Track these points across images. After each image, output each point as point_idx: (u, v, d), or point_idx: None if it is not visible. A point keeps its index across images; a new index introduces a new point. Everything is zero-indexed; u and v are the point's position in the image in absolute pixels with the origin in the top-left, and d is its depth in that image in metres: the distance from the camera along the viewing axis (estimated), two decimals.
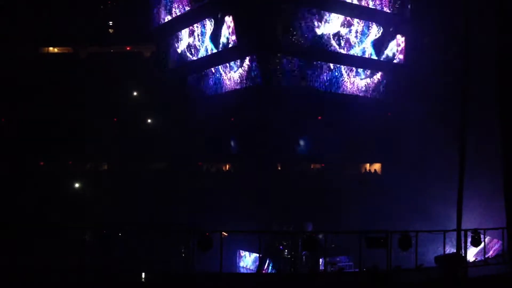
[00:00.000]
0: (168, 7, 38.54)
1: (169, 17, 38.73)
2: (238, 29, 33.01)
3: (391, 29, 35.84)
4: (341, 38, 34.18)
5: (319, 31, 33.16)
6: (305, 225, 25.56)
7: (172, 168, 37.06)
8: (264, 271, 25.51)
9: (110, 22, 45.43)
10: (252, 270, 27.73)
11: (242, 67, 34.46)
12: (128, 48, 45.23)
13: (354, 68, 35.84)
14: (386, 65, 36.48)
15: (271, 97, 33.28)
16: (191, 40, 38.04)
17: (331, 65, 34.95)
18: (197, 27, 37.23)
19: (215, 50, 35.67)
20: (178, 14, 37.65)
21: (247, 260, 28.45)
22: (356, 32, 34.76)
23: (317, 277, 16.90)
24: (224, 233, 16.23)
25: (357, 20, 34.73)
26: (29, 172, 36.14)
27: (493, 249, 21.70)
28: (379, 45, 35.62)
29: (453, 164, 17.09)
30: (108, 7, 45.58)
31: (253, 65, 33.34)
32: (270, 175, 34.39)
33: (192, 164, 37.58)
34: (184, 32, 38.57)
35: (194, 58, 37.96)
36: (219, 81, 37.00)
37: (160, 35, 40.62)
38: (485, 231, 17.84)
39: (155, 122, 39.83)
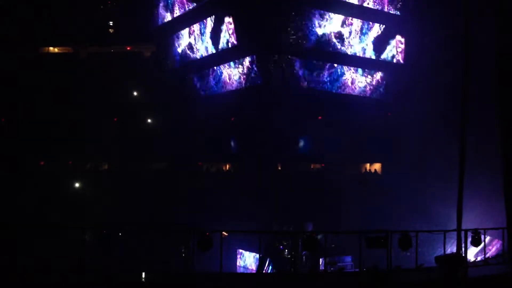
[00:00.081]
0: (168, 7, 38.57)
1: (169, 17, 38.77)
2: (238, 29, 33.02)
3: (391, 29, 35.82)
4: (341, 38, 34.17)
5: (319, 31, 33.15)
6: (305, 225, 25.63)
7: (172, 168, 37.03)
8: (264, 271, 25.53)
9: (110, 22, 45.32)
10: (252, 270, 27.76)
11: (242, 67, 34.48)
12: (128, 48, 45.16)
13: (354, 68, 35.84)
14: (386, 65, 36.46)
15: (271, 97, 33.29)
16: (191, 40, 38.04)
17: (331, 65, 34.94)
18: (197, 27, 37.25)
19: (215, 50, 35.69)
20: (178, 14, 37.68)
21: (247, 260, 28.47)
22: (356, 32, 34.75)
23: (317, 277, 16.91)
24: (224, 233, 16.25)
25: (357, 20, 34.72)
26: (29, 172, 36.06)
27: (493, 249, 21.71)
28: (379, 45, 35.61)
29: (453, 164, 17.13)
30: (108, 7, 45.48)
31: (253, 65, 33.37)
32: (270, 175, 34.41)
33: (192, 164, 37.56)
34: (184, 32, 38.60)
35: (195, 57, 37.96)
36: (219, 81, 37.00)
37: (160, 35, 40.61)
38: (485, 231, 17.78)
39: (155, 122, 39.76)
